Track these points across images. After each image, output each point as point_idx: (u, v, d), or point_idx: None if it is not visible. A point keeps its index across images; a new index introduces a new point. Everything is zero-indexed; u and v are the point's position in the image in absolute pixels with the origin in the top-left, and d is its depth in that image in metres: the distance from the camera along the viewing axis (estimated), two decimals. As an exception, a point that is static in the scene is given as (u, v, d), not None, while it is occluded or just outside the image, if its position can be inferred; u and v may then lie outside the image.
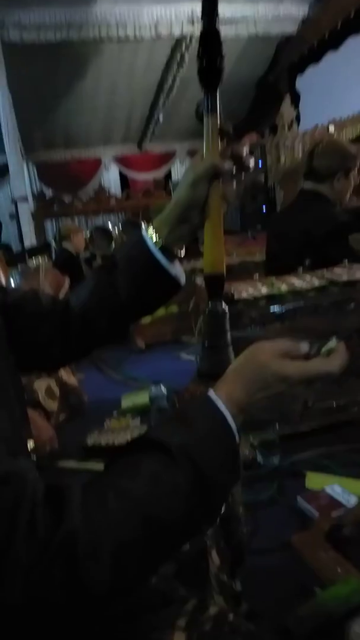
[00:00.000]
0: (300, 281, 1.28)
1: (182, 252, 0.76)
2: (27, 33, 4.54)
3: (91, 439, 1.30)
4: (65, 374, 1.56)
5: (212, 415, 0.53)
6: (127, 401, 1.58)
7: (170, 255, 0.73)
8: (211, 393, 0.55)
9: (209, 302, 0.72)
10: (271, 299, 1.22)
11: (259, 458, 1.18)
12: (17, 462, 0.47)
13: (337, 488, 0.98)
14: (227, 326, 0.72)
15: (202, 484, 0.50)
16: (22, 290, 0.79)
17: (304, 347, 0.58)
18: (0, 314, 0.66)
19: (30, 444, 0.64)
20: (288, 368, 0.55)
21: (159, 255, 0.72)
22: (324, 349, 0.59)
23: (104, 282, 0.75)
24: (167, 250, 0.73)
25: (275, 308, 1.21)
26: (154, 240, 0.73)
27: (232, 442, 0.52)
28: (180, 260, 0.77)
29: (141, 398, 1.54)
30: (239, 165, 0.75)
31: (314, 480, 1.07)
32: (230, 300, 1.17)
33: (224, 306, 0.72)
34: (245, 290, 1.20)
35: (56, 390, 1.50)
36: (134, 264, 0.73)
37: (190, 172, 0.71)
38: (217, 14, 0.69)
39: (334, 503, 0.94)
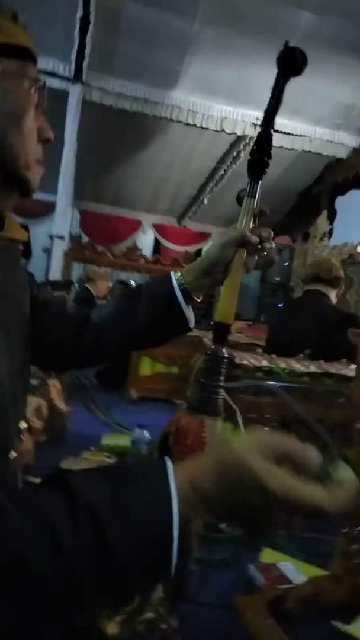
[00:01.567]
0: (299, 365, 1.35)
1: (199, 299, 0.86)
2: (107, 97, 5.04)
3: (65, 464, 1.32)
4: (57, 398, 1.60)
5: (155, 490, 0.43)
6: (107, 440, 1.60)
7: (188, 299, 0.83)
8: (169, 465, 0.45)
9: (212, 345, 0.80)
10: (268, 373, 1.29)
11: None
12: None
13: (290, 567, 0.99)
14: (223, 370, 0.79)
15: (104, 560, 0.40)
16: (53, 294, 0.88)
17: (311, 454, 0.45)
18: (30, 306, 0.74)
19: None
20: (274, 481, 0.42)
21: (179, 295, 0.82)
22: (335, 473, 0.45)
23: (126, 305, 0.84)
24: (187, 294, 0.83)
25: (269, 382, 1.27)
26: (179, 282, 0.83)
27: (165, 531, 0.41)
28: (195, 305, 0.86)
29: (122, 440, 1.56)
30: (260, 243, 0.86)
31: (269, 556, 1.07)
32: (231, 364, 1.24)
33: (225, 352, 0.79)
34: (247, 359, 1.28)
35: (45, 411, 1.54)
36: (157, 297, 0.83)
37: (223, 236, 0.83)
38: (273, 124, 0.84)
39: (283, 578, 0.94)
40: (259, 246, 0.83)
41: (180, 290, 0.83)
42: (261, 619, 0.80)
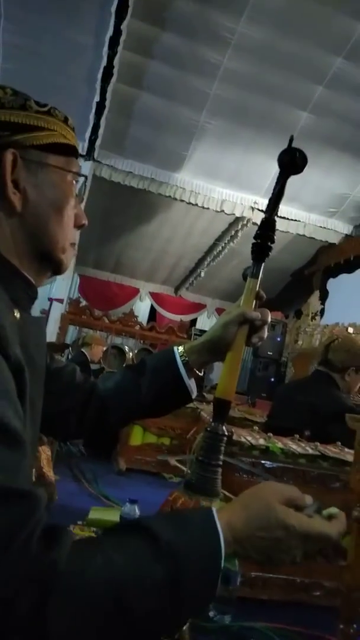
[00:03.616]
0: (295, 445, 1.35)
1: (201, 373, 0.88)
2: (116, 175, 5.36)
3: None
4: (46, 466, 1.56)
5: (207, 531, 0.55)
6: (95, 514, 1.55)
7: (190, 372, 0.85)
8: (214, 511, 0.57)
9: (212, 422, 0.81)
10: (265, 452, 1.28)
11: (212, 611, 1.12)
12: (39, 489, 0.51)
13: (283, 664, 0.93)
14: (222, 448, 0.79)
15: (177, 588, 0.51)
16: (64, 362, 0.90)
17: (308, 500, 0.61)
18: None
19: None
20: (292, 518, 0.57)
21: (182, 370, 0.85)
22: (324, 512, 0.61)
23: (130, 378, 0.86)
24: (189, 367, 0.86)
25: (266, 461, 1.26)
26: (182, 358, 0.86)
27: (217, 564, 0.53)
28: (197, 378, 0.88)
29: (110, 515, 1.51)
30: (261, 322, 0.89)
31: (261, 651, 1.01)
32: (228, 440, 1.24)
33: (224, 430, 0.80)
34: (244, 436, 1.27)
35: (32, 478, 1.50)
36: (161, 372, 0.86)
37: (226, 315, 0.87)
38: (277, 211, 0.90)
39: None
40: (258, 322, 0.86)
41: (183, 363, 0.85)
42: None
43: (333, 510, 0.61)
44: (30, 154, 0.67)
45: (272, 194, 0.89)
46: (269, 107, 4.65)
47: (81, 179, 0.74)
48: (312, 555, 0.61)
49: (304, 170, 0.89)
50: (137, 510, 1.39)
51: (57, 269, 0.75)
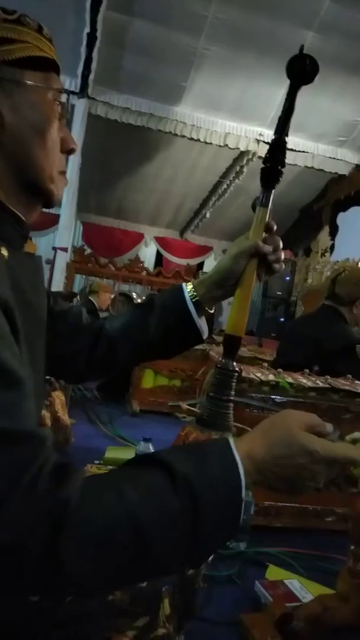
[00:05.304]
0: (305, 380, 1.35)
1: (211, 310, 0.85)
2: (112, 111, 5.11)
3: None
4: (61, 410, 1.59)
5: (225, 462, 0.53)
6: (111, 453, 1.59)
7: (201, 310, 0.83)
8: (231, 441, 0.56)
9: (222, 359, 0.80)
10: (275, 387, 1.28)
11: (226, 538, 1.17)
12: (42, 429, 0.51)
13: (296, 584, 0.97)
14: (233, 384, 0.78)
15: (196, 521, 0.49)
16: (69, 304, 0.87)
17: (329, 427, 0.60)
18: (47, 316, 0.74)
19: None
20: (315, 443, 0.56)
21: (191, 308, 0.82)
22: (347, 437, 0.61)
23: (138, 318, 0.84)
24: (199, 306, 0.83)
25: (276, 396, 1.27)
26: (191, 295, 0.83)
27: (237, 495, 0.52)
28: (208, 316, 0.86)
29: (126, 453, 1.56)
30: (273, 252, 0.84)
31: (275, 573, 1.06)
32: (238, 378, 1.24)
33: (235, 366, 0.79)
34: (254, 373, 1.27)
35: (48, 423, 1.53)
36: (169, 310, 0.83)
37: (235, 247, 0.82)
38: (287, 129, 0.82)
39: (290, 596, 0.93)
40: (271, 256, 0.81)
41: (192, 302, 0.83)
42: (267, 637, 0.79)
43: (357, 435, 0.61)
44: (3, 72, 0.60)
45: (282, 110, 0.81)
46: (271, 27, 4.31)
47: (65, 100, 0.67)
48: (334, 482, 0.60)
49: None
50: (151, 448, 1.43)
51: (47, 201, 0.69)
